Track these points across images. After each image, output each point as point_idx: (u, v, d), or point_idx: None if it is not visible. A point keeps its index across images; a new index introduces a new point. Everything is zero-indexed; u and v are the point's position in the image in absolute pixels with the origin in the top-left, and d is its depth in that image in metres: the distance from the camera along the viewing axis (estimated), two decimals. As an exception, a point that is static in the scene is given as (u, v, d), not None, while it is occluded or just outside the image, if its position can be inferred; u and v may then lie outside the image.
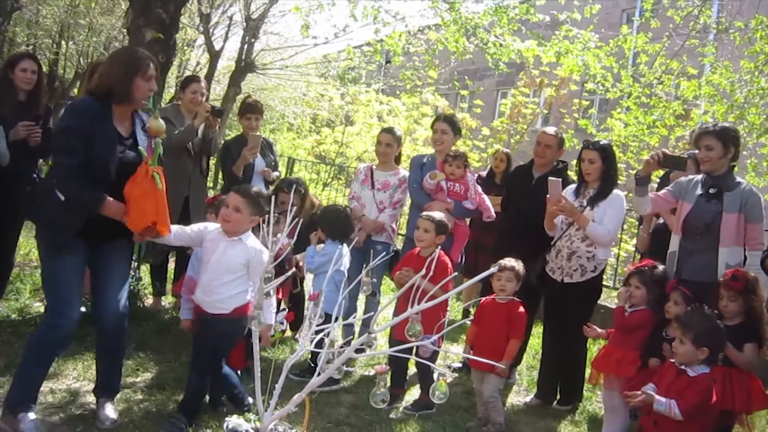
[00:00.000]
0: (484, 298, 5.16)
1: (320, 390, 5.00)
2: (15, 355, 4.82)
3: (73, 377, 4.89)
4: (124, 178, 3.93)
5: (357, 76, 16.36)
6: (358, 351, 3.20)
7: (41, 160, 5.97)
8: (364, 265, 5.29)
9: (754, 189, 4.73)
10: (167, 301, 6.65)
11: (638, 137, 11.46)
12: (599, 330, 4.91)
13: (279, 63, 16.70)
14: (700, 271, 4.66)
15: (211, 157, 7.08)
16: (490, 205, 6.12)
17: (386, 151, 6.24)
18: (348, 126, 16.16)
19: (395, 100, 15.39)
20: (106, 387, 4.35)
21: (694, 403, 3.78)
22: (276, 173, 6.67)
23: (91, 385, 4.77)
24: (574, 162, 5.69)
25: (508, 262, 4.94)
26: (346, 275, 5.16)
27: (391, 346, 5.16)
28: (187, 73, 17.22)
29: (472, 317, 5.13)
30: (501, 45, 10.01)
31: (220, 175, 7.06)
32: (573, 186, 5.53)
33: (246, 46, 14.72)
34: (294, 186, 5.89)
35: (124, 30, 9.28)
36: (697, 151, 5.08)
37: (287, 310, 5.55)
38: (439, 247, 4.83)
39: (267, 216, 3.70)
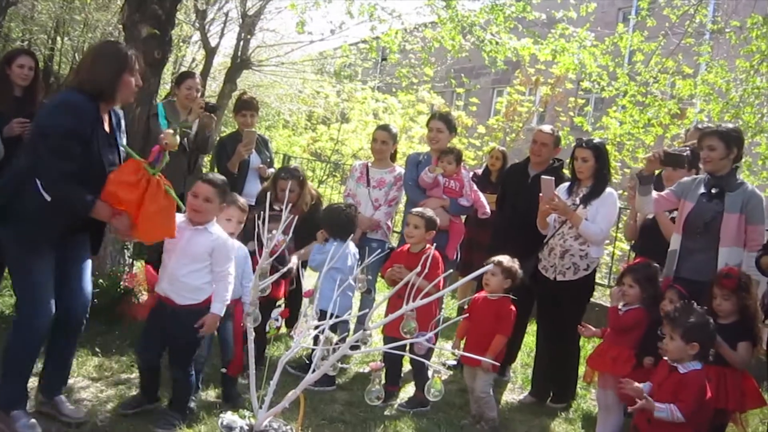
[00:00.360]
0: (476, 295, 5.16)
1: (315, 389, 5.00)
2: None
3: (68, 373, 4.89)
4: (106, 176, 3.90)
5: (353, 73, 16.33)
6: (353, 348, 3.20)
7: None
8: (359, 263, 5.30)
9: (756, 191, 4.74)
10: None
11: (633, 136, 11.47)
12: (594, 329, 4.92)
13: (275, 60, 16.65)
14: (699, 270, 4.67)
15: (206, 155, 7.08)
16: (485, 203, 6.13)
17: (382, 149, 6.23)
18: (344, 123, 16.13)
19: (391, 97, 15.38)
20: (63, 382, 4.29)
21: (692, 403, 3.79)
22: (271, 170, 6.66)
23: (85, 382, 4.78)
24: (569, 160, 5.70)
25: (499, 257, 4.94)
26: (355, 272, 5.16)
27: (385, 343, 5.16)
28: (183, 69, 17.16)
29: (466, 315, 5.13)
30: (497, 43, 10.00)
31: (215, 172, 7.04)
32: (566, 184, 5.53)
33: (242, 43, 14.66)
34: (293, 173, 5.92)
35: (120, 26, 9.25)
36: (690, 144, 5.12)
37: (282, 306, 5.54)
38: (433, 243, 4.83)
39: (262, 213, 3.70)
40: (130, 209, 3.89)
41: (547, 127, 6.03)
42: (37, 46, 17.21)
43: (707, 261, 4.66)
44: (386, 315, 4.24)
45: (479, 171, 7.95)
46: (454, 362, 6.11)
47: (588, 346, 6.08)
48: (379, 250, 5.72)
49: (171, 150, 4.13)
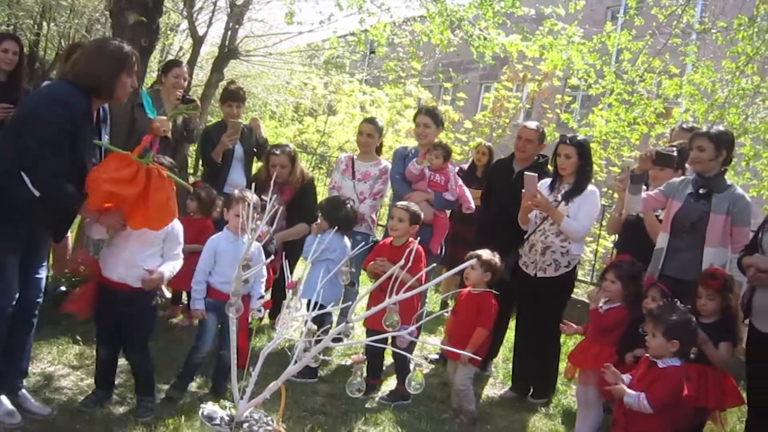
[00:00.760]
0: (461, 290, 5.18)
1: (297, 381, 5.00)
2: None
3: (48, 361, 4.87)
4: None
5: (341, 65, 16.29)
6: (335, 340, 3.20)
7: None
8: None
9: (744, 194, 4.79)
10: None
11: (619, 134, 11.51)
12: (576, 326, 4.95)
13: (263, 50, 16.58)
14: (683, 268, 4.71)
15: (192, 144, 7.04)
16: (470, 198, 6.13)
17: (367, 142, 6.23)
18: (330, 116, 16.09)
19: (378, 90, 15.35)
20: (21, 375, 4.19)
21: (663, 396, 3.83)
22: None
23: (66, 370, 4.76)
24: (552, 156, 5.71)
25: (479, 251, 4.95)
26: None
27: (367, 336, 5.17)
28: (170, 57, 17.07)
29: (449, 309, 5.15)
30: (485, 39, 10.01)
31: (200, 162, 7.02)
32: (548, 180, 5.55)
33: (230, 33, 14.58)
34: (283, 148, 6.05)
35: (107, 12, 9.19)
36: (676, 143, 5.15)
37: (263, 297, 5.53)
38: (417, 237, 4.83)
39: (246, 204, 3.69)
40: (131, 203, 3.85)
41: (531, 124, 6.04)
42: (23, 30, 17.08)
43: (692, 260, 4.69)
44: (368, 308, 4.24)
45: (465, 166, 7.96)
46: (436, 356, 6.14)
47: (570, 343, 6.12)
48: (363, 243, 5.72)
49: (161, 135, 4.11)
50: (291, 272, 3.58)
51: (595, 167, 11.53)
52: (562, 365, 5.74)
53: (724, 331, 4.26)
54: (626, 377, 4.05)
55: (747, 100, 10.74)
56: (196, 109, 6.37)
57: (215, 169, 6.39)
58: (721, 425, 4.44)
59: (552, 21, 10.63)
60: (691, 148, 4.84)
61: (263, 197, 4.29)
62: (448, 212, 6.24)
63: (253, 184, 5.68)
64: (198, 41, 14.97)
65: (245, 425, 3.23)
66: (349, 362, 5.65)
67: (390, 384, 5.40)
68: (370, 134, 6.22)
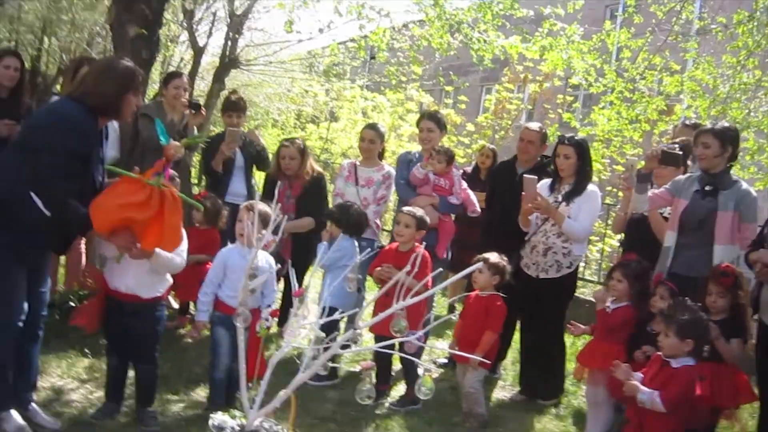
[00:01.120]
0: (469, 293, 5.17)
1: (314, 384, 5.00)
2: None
3: (57, 375, 4.88)
4: None
5: (341, 72, 16.31)
6: (344, 347, 3.20)
7: None
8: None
9: (750, 189, 4.77)
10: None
11: (621, 132, 11.50)
12: (583, 327, 4.94)
13: (263, 59, 16.63)
14: (692, 265, 4.70)
15: (194, 153, 7.05)
16: (475, 200, 6.13)
17: (369, 148, 6.24)
18: (333, 122, 16.12)
19: (380, 96, 15.37)
20: (30, 389, 4.19)
21: (675, 395, 3.81)
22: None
23: (75, 383, 4.76)
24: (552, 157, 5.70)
25: (486, 254, 4.95)
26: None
27: (375, 342, 5.16)
28: (171, 69, 17.11)
29: (457, 313, 5.14)
30: (485, 41, 10.02)
31: (202, 171, 7.05)
32: (548, 181, 5.53)
33: (230, 42, 14.64)
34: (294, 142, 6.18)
35: (107, 26, 9.22)
36: (679, 140, 5.15)
37: (270, 306, 5.52)
38: (422, 242, 4.83)
39: (252, 214, 3.69)
40: (143, 225, 3.85)
41: (533, 125, 6.04)
42: (24, 46, 17.13)
43: (700, 257, 4.68)
44: (374, 314, 4.23)
45: (469, 169, 7.95)
46: (445, 360, 6.13)
47: (578, 343, 6.10)
48: (369, 249, 5.72)
49: (173, 159, 4.12)
50: (299, 280, 3.58)
51: (598, 166, 11.58)
52: (570, 365, 5.73)
53: (733, 327, 4.25)
54: (637, 376, 4.03)
55: (749, 95, 10.72)
56: (200, 118, 6.38)
57: (216, 179, 6.40)
58: (735, 422, 4.43)
59: (551, 21, 10.65)
60: (696, 144, 4.83)
61: (270, 205, 4.28)
62: (453, 216, 6.24)
63: (257, 193, 5.70)
64: (198, 52, 15.03)
65: (256, 434, 3.23)
66: (358, 369, 5.64)
67: (399, 389, 5.39)
68: (372, 140, 6.23)
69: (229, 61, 14.47)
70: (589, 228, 5.50)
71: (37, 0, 16.08)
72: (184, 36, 16.60)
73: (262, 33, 16.59)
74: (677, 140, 5.51)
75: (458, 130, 15.18)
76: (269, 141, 17.51)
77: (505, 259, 5.00)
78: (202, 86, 17.78)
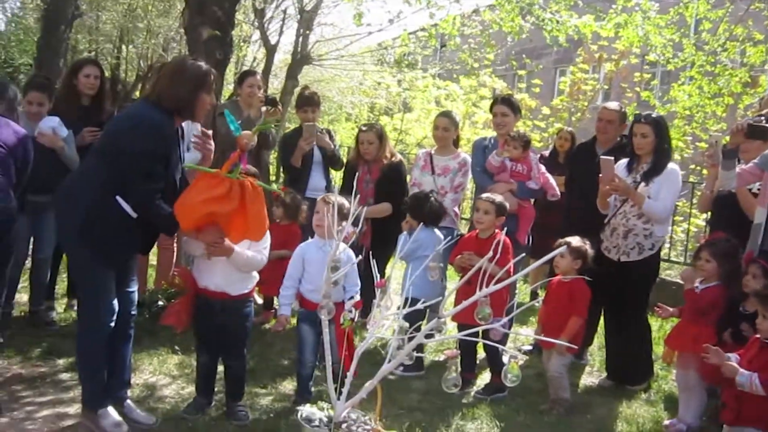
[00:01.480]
0: (551, 279, 5.10)
1: (400, 375, 5.04)
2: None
3: (150, 372, 5.01)
4: None
5: (413, 62, 16.27)
6: (428, 336, 3.19)
7: None
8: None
9: None
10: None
11: (703, 107, 11.14)
12: (671, 309, 4.81)
13: (334, 53, 16.76)
14: None
15: (272, 151, 7.14)
16: (554, 184, 6.04)
17: (444, 136, 6.20)
18: (406, 113, 16.10)
19: (452, 84, 15.28)
20: (124, 386, 4.31)
21: (776, 377, 3.67)
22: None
23: (167, 379, 4.89)
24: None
25: (568, 238, 4.87)
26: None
27: (459, 330, 5.14)
28: (245, 68, 17.40)
29: (540, 299, 5.08)
30: (558, 22, 9.84)
31: (281, 169, 7.15)
32: (625, 161, 5.38)
33: (301, 39, 14.80)
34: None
35: (182, 30, 9.43)
36: (766, 113, 4.95)
37: (353, 298, 5.55)
38: (503, 229, 4.77)
39: (330, 206, 3.71)
40: (229, 218, 3.92)
41: (612, 104, 5.91)
42: (104, 55, 17.72)
43: None
44: (456, 303, 4.21)
45: (546, 153, 7.85)
46: (530, 347, 6.06)
47: (666, 326, 5.95)
48: (449, 238, 5.70)
49: (247, 149, 4.18)
50: (381, 271, 3.58)
51: (680, 144, 11.25)
52: (658, 349, 5.58)
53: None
54: (733, 356, 3.90)
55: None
56: (277, 114, 6.46)
57: (296, 175, 6.47)
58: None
59: (625, -2, 10.37)
60: None
61: (348, 199, 4.30)
62: (533, 201, 6.16)
63: (336, 187, 5.74)
64: (271, 50, 15.23)
65: (344, 426, 3.26)
66: (442, 358, 5.63)
67: (485, 378, 5.36)
68: (446, 128, 6.19)
69: (301, 58, 14.62)
70: (670, 207, 5.34)
71: (114, 10, 16.57)
72: (256, 35, 16.86)
73: (332, 28, 16.75)
74: (764, 112, 5.29)
75: (533, 114, 14.97)
76: (344, 135, 17.67)
77: (587, 242, 4.91)
78: (275, 84, 18.01)
